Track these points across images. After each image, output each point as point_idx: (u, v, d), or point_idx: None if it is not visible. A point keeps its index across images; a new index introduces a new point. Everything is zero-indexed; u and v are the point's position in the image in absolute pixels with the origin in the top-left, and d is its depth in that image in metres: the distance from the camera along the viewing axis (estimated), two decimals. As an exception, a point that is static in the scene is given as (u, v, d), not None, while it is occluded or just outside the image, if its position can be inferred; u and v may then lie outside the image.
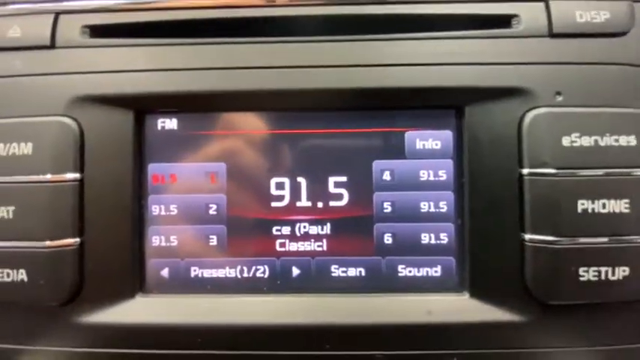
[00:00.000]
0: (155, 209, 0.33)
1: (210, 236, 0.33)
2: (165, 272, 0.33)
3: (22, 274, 0.30)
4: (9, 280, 0.30)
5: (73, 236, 0.30)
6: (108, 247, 0.31)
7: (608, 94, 0.30)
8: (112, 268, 0.31)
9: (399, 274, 0.32)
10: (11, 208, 0.30)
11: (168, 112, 0.32)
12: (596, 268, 0.29)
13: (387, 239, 0.32)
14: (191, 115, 0.32)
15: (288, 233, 0.33)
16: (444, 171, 0.32)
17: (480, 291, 0.30)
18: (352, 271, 0.32)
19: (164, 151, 0.32)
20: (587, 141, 0.29)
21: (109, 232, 0.31)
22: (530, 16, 0.31)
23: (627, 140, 0.29)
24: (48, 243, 0.30)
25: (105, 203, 0.31)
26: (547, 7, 0.31)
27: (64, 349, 0.31)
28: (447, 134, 0.32)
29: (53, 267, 0.30)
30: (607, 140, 0.29)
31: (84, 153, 0.31)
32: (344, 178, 0.32)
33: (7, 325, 0.31)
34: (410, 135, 0.32)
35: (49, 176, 0.30)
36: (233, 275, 0.32)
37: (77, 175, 0.31)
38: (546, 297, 0.29)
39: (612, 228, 0.29)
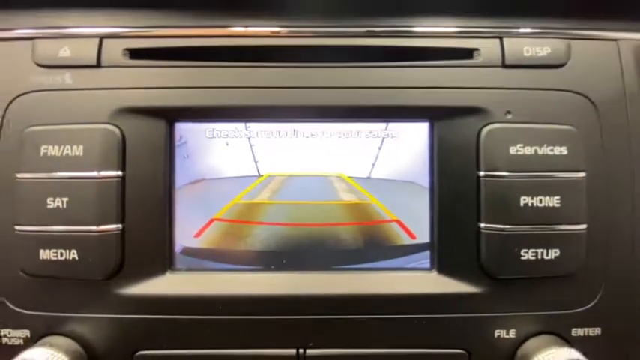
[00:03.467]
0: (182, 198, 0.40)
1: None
2: (188, 258, 0.40)
3: (73, 254, 0.37)
4: (62, 258, 0.37)
5: (116, 223, 0.37)
6: (144, 232, 0.38)
7: (547, 113, 0.38)
8: (147, 250, 0.38)
9: (384, 260, 0.40)
10: (65, 199, 0.37)
11: (193, 122, 0.39)
12: (534, 250, 0.37)
13: (373, 227, 0.40)
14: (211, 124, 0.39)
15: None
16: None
17: (445, 269, 0.38)
18: (349, 250, 0.40)
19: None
20: (529, 150, 0.37)
21: (144, 220, 0.38)
22: (488, 50, 0.39)
23: (560, 150, 0.37)
24: (95, 228, 0.37)
25: (142, 196, 0.38)
26: (501, 43, 0.39)
27: (106, 316, 0.37)
28: (422, 136, 0.40)
29: (99, 248, 0.37)
30: (544, 150, 0.37)
31: (125, 154, 0.38)
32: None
33: (59, 297, 0.37)
34: (389, 141, 0.40)
35: (96, 173, 0.37)
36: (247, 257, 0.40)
37: (119, 173, 0.37)
38: (496, 273, 0.37)
39: (547, 218, 0.37)
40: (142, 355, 0.37)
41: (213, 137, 0.39)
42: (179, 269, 0.39)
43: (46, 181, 0.37)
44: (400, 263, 0.39)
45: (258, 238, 0.39)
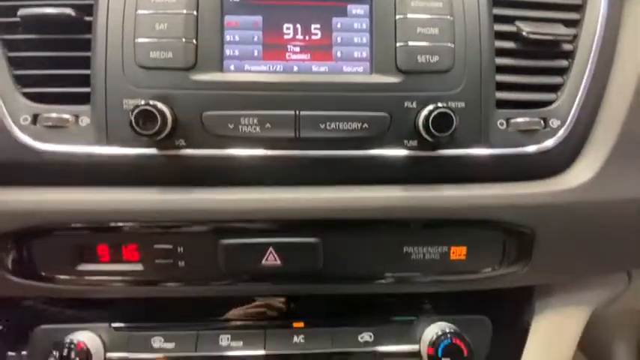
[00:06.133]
0: (228, 37, 0.68)
1: (254, 51, 0.68)
2: (232, 67, 0.68)
3: (170, 54, 0.64)
4: (163, 57, 0.64)
5: (193, 38, 0.64)
6: (208, 46, 0.65)
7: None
8: (210, 57, 0.65)
9: (344, 71, 0.69)
10: (165, 24, 0.64)
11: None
12: (425, 56, 0.65)
13: (339, 54, 0.69)
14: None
15: (292, 48, 0.68)
16: (365, 23, 0.69)
17: (378, 71, 0.66)
18: (323, 68, 0.69)
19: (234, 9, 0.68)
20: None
21: (209, 37, 0.65)
22: None
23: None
24: (182, 39, 0.64)
25: (207, 25, 0.65)
26: None
27: (187, 91, 0.64)
28: (366, 7, 0.69)
29: (184, 52, 0.64)
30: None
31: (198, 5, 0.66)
32: (318, 25, 0.69)
33: (158, 79, 0.64)
34: (349, 6, 0.69)
35: (181, 11, 0.65)
36: (266, 68, 0.68)
37: (195, 13, 0.65)
38: (405, 70, 0.66)
39: (432, 41, 0.66)
40: (207, 114, 0.65)
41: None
42: (228, 71, 0.67)
43: (154, 15, 0.65)
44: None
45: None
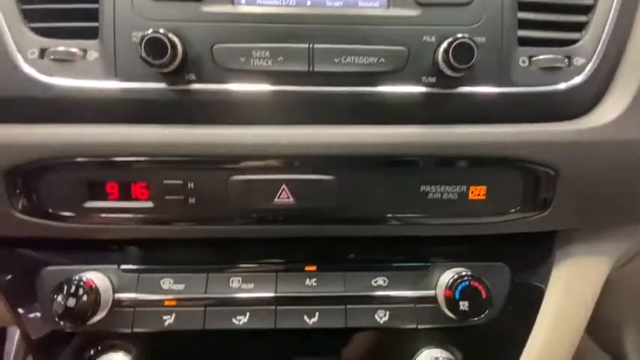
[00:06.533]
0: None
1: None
2: (243, 0, 0.66)
3: None
4: None
5: None
6: None
7: None
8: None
9: (360, 6, 0.66)
10: None
11: None
12: None
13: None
14: None
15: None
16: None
17: (394, 5, 0.64)
18: (338, 2, 0.66)
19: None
20: None
21: None
22: None
23: None
24: None
25: None
26: None
27: (196, 24, 0.62)
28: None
29: None
30: None
31: None
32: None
33: (167, 11, 0.62)
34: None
35: None
36: (279, 2, 0.65)
37: None
38: (423, 3, 0.64)
39: None
40: (218, 47, 0.63)
41: None
42: (237, 4, 0.64)
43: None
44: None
45: None
